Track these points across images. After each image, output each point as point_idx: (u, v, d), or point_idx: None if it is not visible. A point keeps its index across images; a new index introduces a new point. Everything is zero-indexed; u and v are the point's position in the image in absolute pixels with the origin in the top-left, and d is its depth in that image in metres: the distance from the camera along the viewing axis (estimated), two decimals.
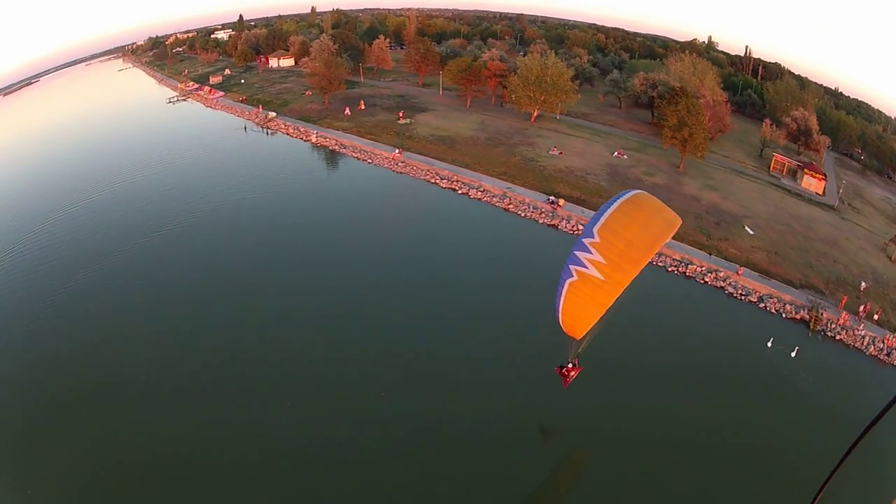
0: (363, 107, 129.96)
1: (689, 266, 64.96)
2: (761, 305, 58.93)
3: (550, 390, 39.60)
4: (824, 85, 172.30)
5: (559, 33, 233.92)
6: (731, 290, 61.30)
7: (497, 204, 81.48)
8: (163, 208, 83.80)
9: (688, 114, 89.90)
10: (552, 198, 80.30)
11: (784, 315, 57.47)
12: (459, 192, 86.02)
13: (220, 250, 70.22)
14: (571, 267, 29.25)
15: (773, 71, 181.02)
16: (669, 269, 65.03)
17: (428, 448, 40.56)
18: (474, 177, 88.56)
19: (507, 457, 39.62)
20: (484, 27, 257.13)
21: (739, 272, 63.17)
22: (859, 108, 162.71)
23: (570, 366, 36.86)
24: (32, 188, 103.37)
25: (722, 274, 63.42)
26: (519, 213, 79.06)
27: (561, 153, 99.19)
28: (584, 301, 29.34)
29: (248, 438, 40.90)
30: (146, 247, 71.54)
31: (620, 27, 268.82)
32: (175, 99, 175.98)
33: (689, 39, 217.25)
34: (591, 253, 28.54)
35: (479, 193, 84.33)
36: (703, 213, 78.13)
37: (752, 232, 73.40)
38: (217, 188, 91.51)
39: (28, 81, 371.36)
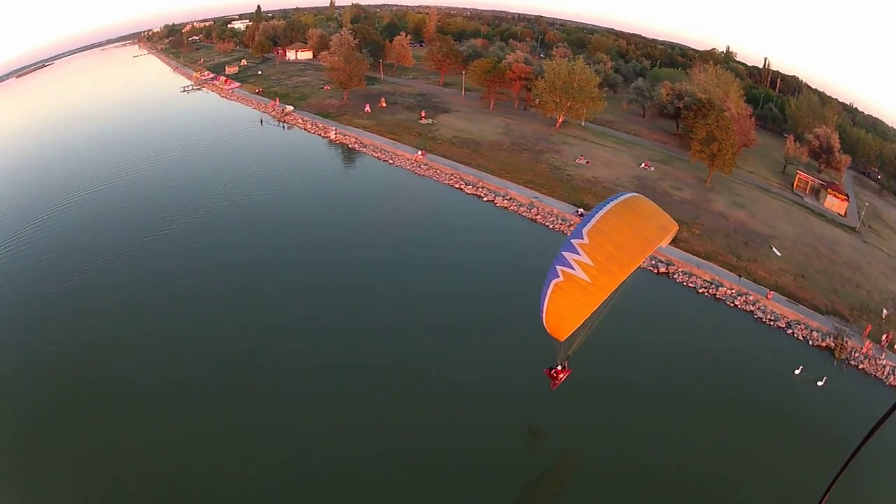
0: (384, 104, 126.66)
1: (720, 288, 62.21)
2: (789, 332, 56.33)
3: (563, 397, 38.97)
4: (840, 100, 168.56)
5: (580, 37, 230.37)
6: (760, 314, 58.58)
7: (524, 214, 78.04)
8: (173, 202, 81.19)
9: (717, 128, 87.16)
10: (581, 210, 76.78)
11: (811, 342, 55.02)
12: (485, 199, 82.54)
13: (232, 249, 67.84)
14: (558, 267, 28.84)
15: (791, 84, 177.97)
16: (700, 291, 62.22)
17: (423, 448, 40.21)
18: (500, 184, 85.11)
19: (501, 459, 39.31)
20: (504, 28, 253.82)
21: (769, 296, 60.44)
22: (875, 126, 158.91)
23: (559, 368, 36.72)
24: (38, 175, 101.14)
25: (752, 297, 60.69)
26: (547, 224, 75.49)
27: (588, 162, 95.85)
28: (569, 302, 28.90)
29: (248, 449, 39.53)
30: (154, 242, 69.23)
31: (637, 33, 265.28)
32: (190, 88, 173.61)
33: (708, 49, 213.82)
34: (578, 254, 28.13)
35: (506, 202, 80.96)
36: (731, 231, 75.38)
37: (779, 253, 70.66)
38: (230, 183, 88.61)
39: (41, 64, 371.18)
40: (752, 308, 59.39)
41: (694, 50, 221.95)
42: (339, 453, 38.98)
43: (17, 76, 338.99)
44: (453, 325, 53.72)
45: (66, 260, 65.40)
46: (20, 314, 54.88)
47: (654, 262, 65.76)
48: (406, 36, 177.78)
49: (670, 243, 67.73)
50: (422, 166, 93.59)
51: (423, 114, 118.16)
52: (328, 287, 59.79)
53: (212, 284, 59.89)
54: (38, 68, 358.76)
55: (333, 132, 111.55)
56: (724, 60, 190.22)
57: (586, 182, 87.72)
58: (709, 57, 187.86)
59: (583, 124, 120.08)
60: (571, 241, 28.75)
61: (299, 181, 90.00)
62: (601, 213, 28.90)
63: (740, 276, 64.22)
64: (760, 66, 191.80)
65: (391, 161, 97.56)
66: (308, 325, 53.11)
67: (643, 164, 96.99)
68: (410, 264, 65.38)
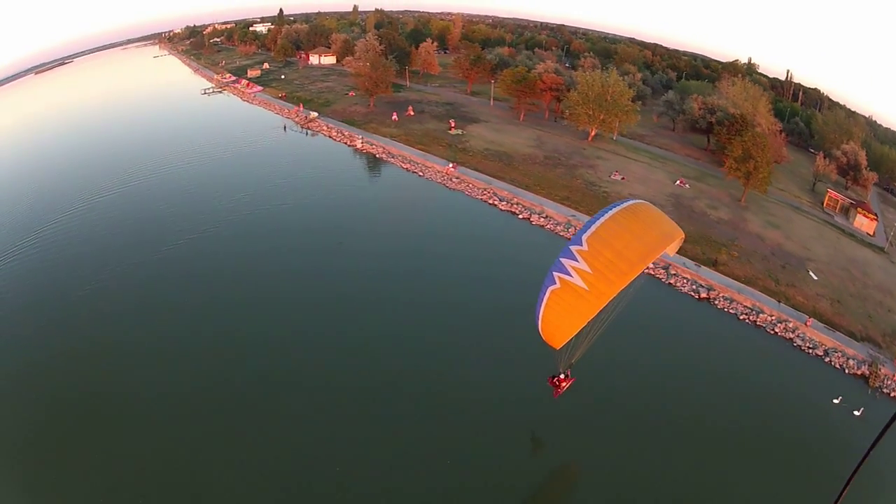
0: (412, 113, 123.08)
1: (760, 315, 58.94)
2: (826, 360, 53.56)
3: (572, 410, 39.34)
4: (857, 112, 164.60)
5: (605, 47, 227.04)
6: (799, 342, 55.45)
7: (561, 233, 73.74)
8: (191, 210, 78.84)
9: (753, 146, 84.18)
10: None
11: (847, 370, 52.40)
12: (520, 216, 78.61)
13: (253, 260, 64.99)
14: (555, 274, 28.35)
15: (813, 97, 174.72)
16: (741, 318, 58.89)
17: (423, 450, 40.15)
18: (535, 200, 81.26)
19: (500, 464, 39.16)
20: (528, 36, 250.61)
21: (808, 323, 57.31)
22: (894, 140, 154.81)
23: (561, 376, 36.52)
24: (52, 177, 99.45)
25: (791, 324, 57.41)
26: None
27: (623, 178, 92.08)
28: (565, 310, 28.31)
29: (250, 461, 38.80)
30: (171, 252, 66.86)
31: (658, 43, 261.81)
32: (211, 90, 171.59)
33: (730, 60, 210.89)
34: (576, 261, 27.65)
35: (542, 220, 77.03)
36: (768, 254, 72.00)
37: (815, 277, 67.63)
38: (252, 191, 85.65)
39: (61, 61, 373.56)
40: (791, 335, 56.25)
41: (717, 61, 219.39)
42: (342, 460, 38.53)
43: (36, 73, 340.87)
44: (483, 341, 51.47)
45: (79, 265, 63.73)
46: (31, 319, 53.69)
47: (695, 287, 62.93)
48: (432, 43, 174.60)
49: (712, 267, 65.90)
50: (453, 179, 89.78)
51: (453, 124, 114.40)
52: (353, 299, 57.48)
53: (228, 295, 58.07)
54: (58, 65, 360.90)
55: (360, 141, 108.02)
56: (747, 72, 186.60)
57: (623, 200, 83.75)
58: (731, 68, 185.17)
59: (615, 138, 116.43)
60: (570, 247, 28.29)
61: (325, 191, 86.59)
62: (602, 219, 28.40)
63: (780, 302, 61.21)
64: (780, 77, 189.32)
65: (421, 173, 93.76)
66: (331, 337, 51.69)
67: (678, 182, 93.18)
68: (442, 280, 62.31)
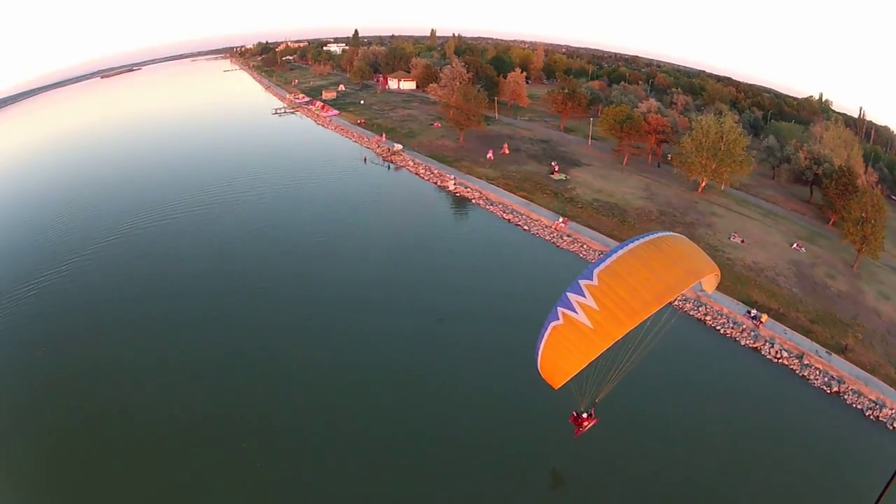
0: (507, 151, 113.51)
1: (883, 409, 50.37)
2: None
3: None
4: None
5: (689, 82, 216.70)
6: None
7: (691, 312, 62.78)
8: (257, 255, 72.37)
9: (872, 207, 74.77)
10: (754, 312, 61.86)
11: None
12: None
13: (329, 336, 56.63)
14: (559, 309, 26.64)
15: (884, 136, 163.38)
16: (867, 414, 49.93)
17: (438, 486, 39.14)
18: None
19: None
20: (609, 69, 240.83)
21: None
22: None
23: (584, 416, 35.15)
24: (106, 196, 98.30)
25: None
26: (717, 327, 60.46)
27: (743, 241, 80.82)
28: (566, 349, 26.48)
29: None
30: (227, 306, 60.88)
31: (727, 76, 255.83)
32: (282, 111, 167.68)
33: (805, 96, 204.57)
34: (584, 297, 25.85)
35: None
36: (885, 333, 61.94)
37: None
38: (328, 232, 79.11)
39: (129, 68, 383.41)
40: None
41: (791, 97, 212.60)
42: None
43: (103, 76, 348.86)
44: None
45: (130, 295, 62.81)
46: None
47: (827, 379, 53.29)
48: (522, 72, 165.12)
49: (842, 355, 55.71)
50: (564, 237, 79.03)
51: (556, 167, 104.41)
52: (457, 398, 48.57)
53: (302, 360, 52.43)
54: (125, 72, 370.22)
55: (452, 182, 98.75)
56: (822, 109, 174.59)
57: (748, 269, 72.85)
58: (807, 105, 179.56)
59: (723, 188, 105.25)
60: (579, 281, 26.47)
61: (413, 239, 78.09)
62: (620, 252, 26.61)
63: None
64: (849, 113, 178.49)
65: (525, 227, 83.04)
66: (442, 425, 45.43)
67: (794, 245, 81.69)
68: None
